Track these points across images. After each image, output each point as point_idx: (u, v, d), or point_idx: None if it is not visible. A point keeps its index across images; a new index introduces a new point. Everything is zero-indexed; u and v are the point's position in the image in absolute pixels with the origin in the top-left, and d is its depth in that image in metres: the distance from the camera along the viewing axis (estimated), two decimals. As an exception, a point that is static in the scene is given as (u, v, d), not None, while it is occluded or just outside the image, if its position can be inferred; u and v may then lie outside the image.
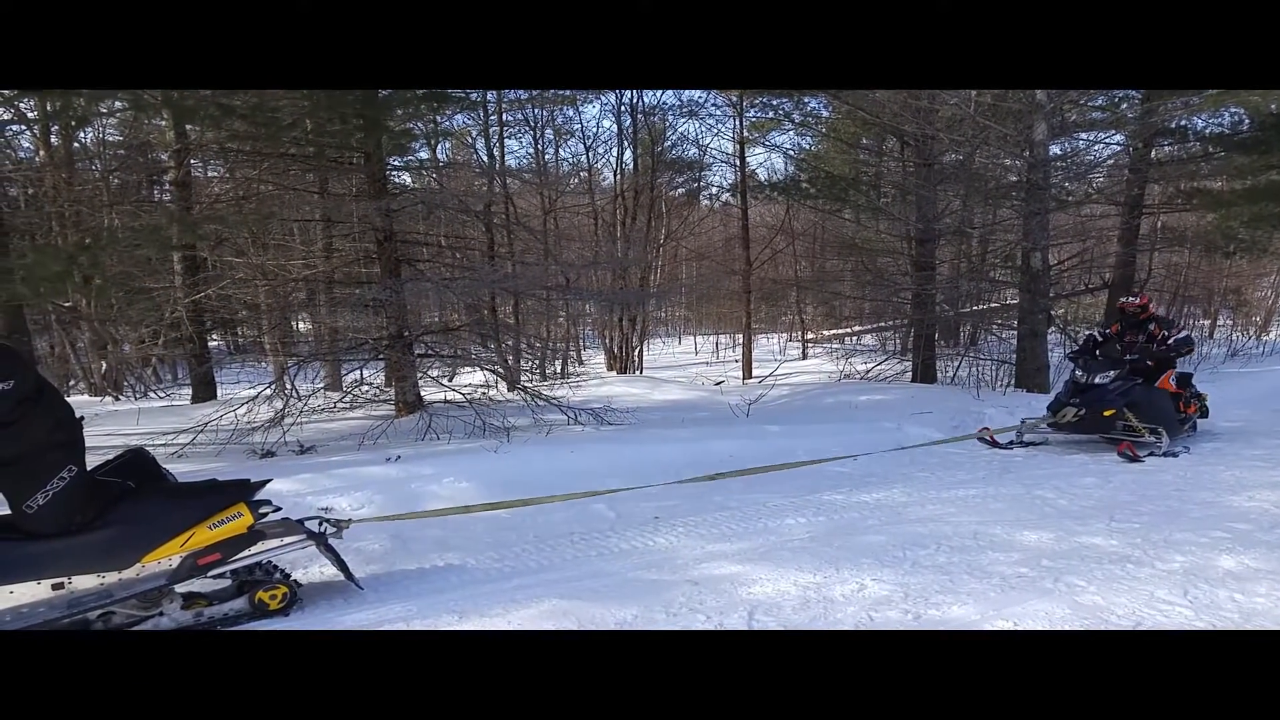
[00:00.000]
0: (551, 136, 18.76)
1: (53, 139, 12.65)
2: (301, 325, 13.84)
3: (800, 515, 5.02)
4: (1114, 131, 12.85)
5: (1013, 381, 11.23)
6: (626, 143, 17.73)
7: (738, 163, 17.20)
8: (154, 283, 11.90)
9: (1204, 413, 7.67)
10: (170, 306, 11.27)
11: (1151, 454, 6.52)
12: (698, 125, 27.63)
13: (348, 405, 9.27)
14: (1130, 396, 6.84)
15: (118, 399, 12.21)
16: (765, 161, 37.82)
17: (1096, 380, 6.99)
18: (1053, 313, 12.92)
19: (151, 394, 13.11)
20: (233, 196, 11.01)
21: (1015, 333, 11.94)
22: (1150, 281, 16.38)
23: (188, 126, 10.71)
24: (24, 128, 11.58)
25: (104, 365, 13.18)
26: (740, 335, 18.20)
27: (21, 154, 13.06)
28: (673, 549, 4.45)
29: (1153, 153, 13.35)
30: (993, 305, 14.82)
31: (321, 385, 9.78)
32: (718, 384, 14.16)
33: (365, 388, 9.46)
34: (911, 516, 4.77)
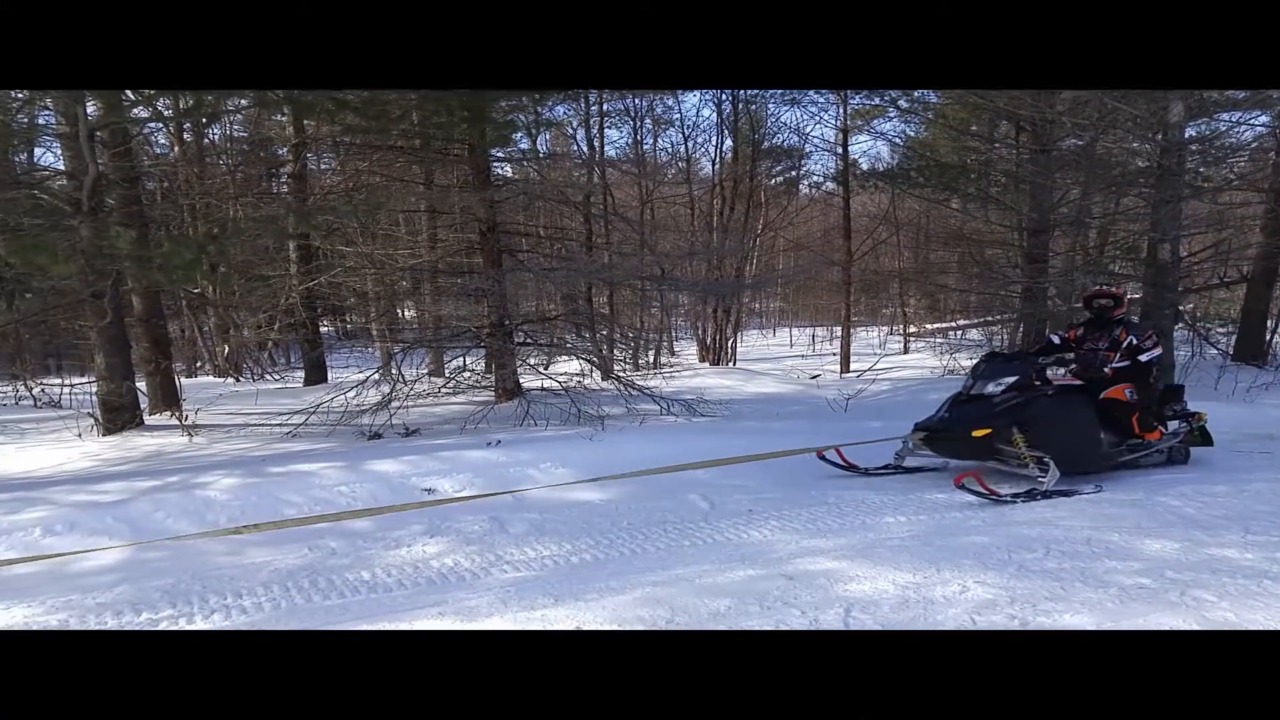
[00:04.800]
0: (650, 126, 18.79)
1: (185, 135, 13.57)
2: (407, 313, 14.34)
3: (900, 514, 4.88)
4: (1259, 111, 11.82)
5: (1133, 381, 10.57)
6: (726, 131, 17.55)
7: (840, 150, 16.79)
8: (271, 270, 12.57)
9: (1204, 436, 6.19)
10: (285, 293, 11.90)
11: (1031, 492, 5.08)
12: (799, 113, 27.11)
13: (450, 390, 9.58)
14: (1024, 413, 5.31)
15: (239, 380, 12.98)
16: (870, 148, 36.87)
17: (986, 389, 5.52)
18: (1181, 308, 12.09)
19: (268, 376, 13.87)
20: (344, 188, 11.48)
21: (1137, 330, 11.22)
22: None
23: (305, 121, 11.24)
24: (160, 125, 12.42)
25: (227, 348, 14.03)
26: (838, 328, 17.82)
27: (158, 150, 14.03)
28: (767, 542, 4.39)
29: (1302, 134, 12.26)
30: (1112, 300, 13.97)
31: (426, 371, 10.11)
32: (814, 377, 13.91)
33: (467, 374, 9.74)
34: (1018, 519, 4.56)
